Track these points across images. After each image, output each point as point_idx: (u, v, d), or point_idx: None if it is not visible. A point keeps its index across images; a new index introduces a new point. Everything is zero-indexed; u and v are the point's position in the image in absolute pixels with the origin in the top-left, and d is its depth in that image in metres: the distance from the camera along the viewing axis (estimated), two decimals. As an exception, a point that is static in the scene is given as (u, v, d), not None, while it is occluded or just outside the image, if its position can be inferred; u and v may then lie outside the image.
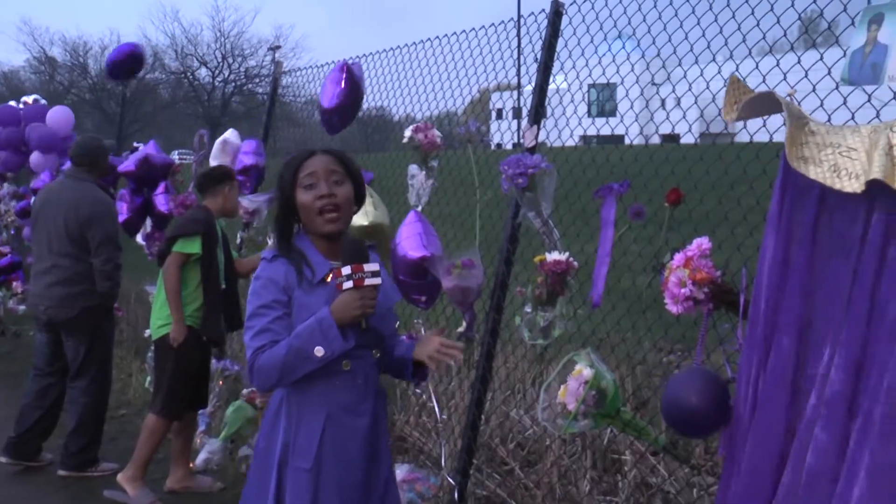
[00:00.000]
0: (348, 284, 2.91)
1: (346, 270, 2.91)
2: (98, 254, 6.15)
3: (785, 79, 3.42)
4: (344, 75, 5.26)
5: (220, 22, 74.33)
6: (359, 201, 3.23)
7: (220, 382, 6.63)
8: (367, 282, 2.93)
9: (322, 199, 3.04)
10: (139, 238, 7.66)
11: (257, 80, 60.00)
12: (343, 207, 3.09)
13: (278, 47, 52.45)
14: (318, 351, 2.89)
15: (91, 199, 6.25)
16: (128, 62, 8.12)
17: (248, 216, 6.90)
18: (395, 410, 6.10)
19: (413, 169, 4.81)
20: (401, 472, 4.67)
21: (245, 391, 6.46)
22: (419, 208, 4.77)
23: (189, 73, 62.55)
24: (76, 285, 6.21)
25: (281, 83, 8.63)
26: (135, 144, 8.10)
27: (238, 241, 7.37)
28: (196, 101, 62.63)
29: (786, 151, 2.68)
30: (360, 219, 4.88)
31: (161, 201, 7.23)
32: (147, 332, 6.58)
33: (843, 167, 2.56)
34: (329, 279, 2.98)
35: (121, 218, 6.71)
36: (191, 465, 6.10)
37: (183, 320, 5.63)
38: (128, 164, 7.27)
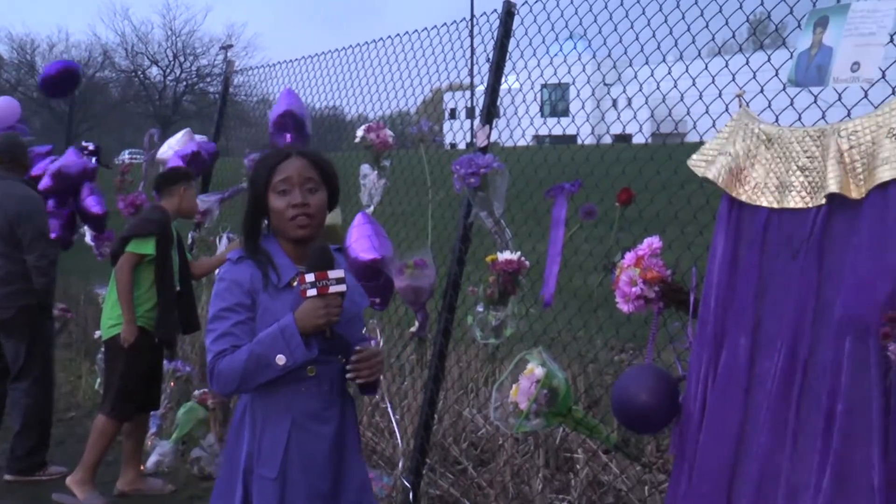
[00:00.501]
0: (312, 292, 2.83)
1: (310, 277, 2.83)
2: (31, 250, 6.06)
3: (734, 79, 3.46)
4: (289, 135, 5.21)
5: (172, 20, 73.35)
6: (331, 206, 3.16)
7: (172, 384, 6.57)
8: (332, 289, 2.84)
9: (295, 208, 2.96)
10: (88, 239, 7.55)
11: (209, 79, 59.50)
12: (315, 216, 3.01)
13: (230, 46, 52.08)
14: (280, 359, 2.82)
15: (18, 196, 6.16)
16: (62, 78, 7.97)
17: (200, 216, 6.83)
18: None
19: (365, 168, 4.79)
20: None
21: (196, 392, 6.41)
22: (371, 208, 4.75)
23: (140, 72, 61.90)
24: (10, 285, 6.11)
25: (233, 82, 8.56)
26: (83, 143, 7.96)
27: (189, 241, 7.30)
28: (147, 100, 61.97)
29: (752, 202, 2.73)
30: None
31: (92, 203, 7.01)
32: (97, 334, 6.49)
33: (809, 182, 2.61)
34: (294, 284, 2.92)
35: (52, 235, 6.52)
36: (141, 467, 6.03)
37: (134, 321, 5.56)
38: (44, 181, 6.97)
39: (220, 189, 7.50)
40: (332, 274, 2.84)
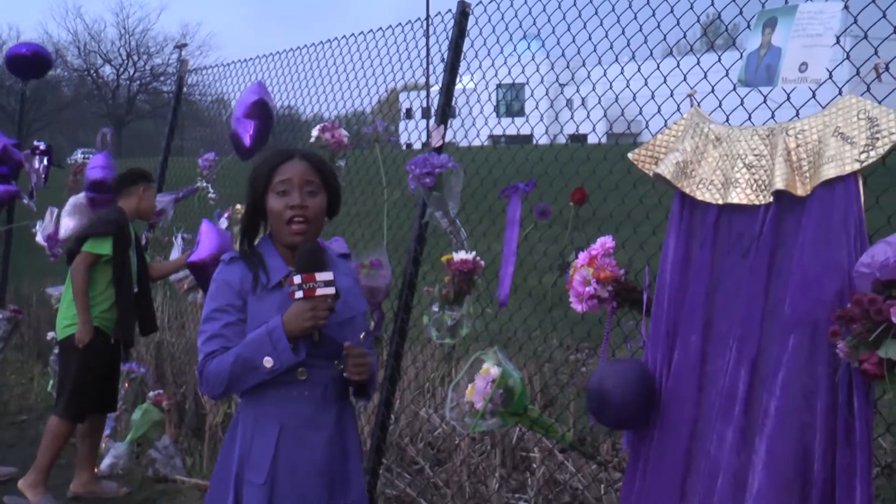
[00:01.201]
0: (299, 294, 2.78)
1: (298, 279, 2.78)
2: None
3: (685, 80, 3.48)
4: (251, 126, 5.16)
5: (125, 19, 72.70)
6: (332, 213, 3.10)
7: (126, 385, 6.50)
8: (319, 292, 2.78)
9: (293, 210, 2.91)
10: (40, 239, 7.44)
11: (163, 79, 58.97)
12: (313, 220, 2.95)
13: (185, 45, 51.66)
14: (267, 362, 2.78)
15: None
16: (35, 61, 7.88)
17: (154, 217, 6.77)
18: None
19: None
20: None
21: (151, 394, 6.35)
22: (326, 208, 4.73)
23: (93, 71, 61.19)
24: None
25: (187, 81, 8.49)
26: (35, 143, 7.86)
27: (143, 241, 7.23)
28: (100, 99, 61.27)
29: (695, 195, 2.75)
30: None
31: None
32: (50, 335, 6.41)
33: (755, 179, 2.64)
34: (284, 283, 2.88)
35: None
36: (95, 469, 5.95)
37: (89, 321, 5.49)
38: None
39: (174, 189, 7.44)
40: (320, 276, 2.78)
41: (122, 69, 60.80)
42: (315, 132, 4.67)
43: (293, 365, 2.85)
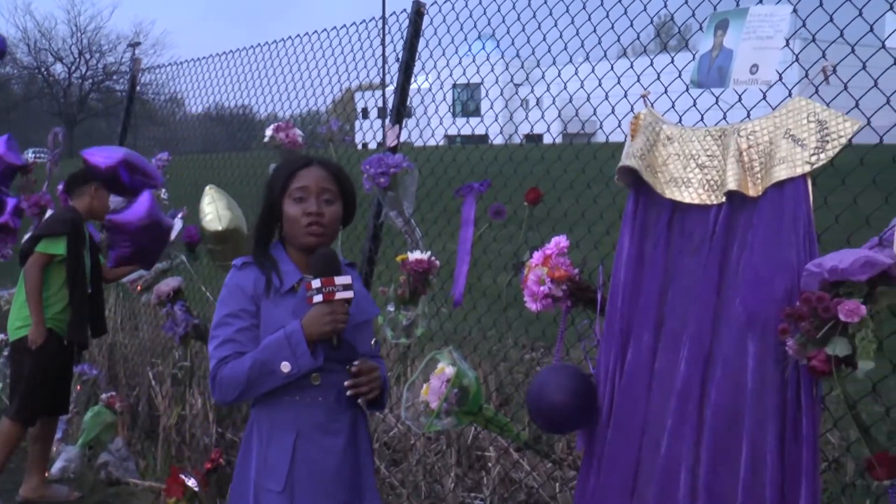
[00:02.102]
0: (318, 298, 2.75)
1: (316, 283, 2.75)
2: None
3: (639, 80, 3.51)
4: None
5: (77, 16, 71.83)
6: (346, 221, 3.09)
7: (78, 387, 6.42)
8: (338, 295, 2.76)
9: (309, 216, 2.89)
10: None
11: (116, 77, 58.28)
12: (329, 227, 2.94)
13: (138, 44, 51.13)
14: (285, 367, 2.75)
15: None
16: None
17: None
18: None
19: (274, 168, 4.74)
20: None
21: (104, 396, 6.28)
22: (281, 208, 4.70)
23: (43, 69, 60.31)
24: None
25: (140, 80, 8.40)
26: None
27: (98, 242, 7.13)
28: (51, 97, 60.41)
29: (648, 181, 2.77)
30: (213, 224, 4.75)
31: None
32: (1, 337, 6.31)
33: (707, 180, 2.67)
34: (297, 289, 2.85)
35: None
36: (46, 473, 5.87)
37: (43, 322, 5.41)
38: None
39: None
40: (339, 280, 2.77)
41: (73, 67, 59.98)
42: (269, 132, 4.64)
43: (310, 370, 2.82)
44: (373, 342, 3.06)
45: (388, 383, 3.26)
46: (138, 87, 8.52)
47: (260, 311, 2.86)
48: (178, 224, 5.75)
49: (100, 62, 60.14)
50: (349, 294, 2.79)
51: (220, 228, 4.78)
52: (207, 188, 5.06)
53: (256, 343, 2.83)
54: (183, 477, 4.65)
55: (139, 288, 6.46)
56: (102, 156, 5.02)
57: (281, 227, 2.99)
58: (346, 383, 2.87)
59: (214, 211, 4.73)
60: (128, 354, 7.60)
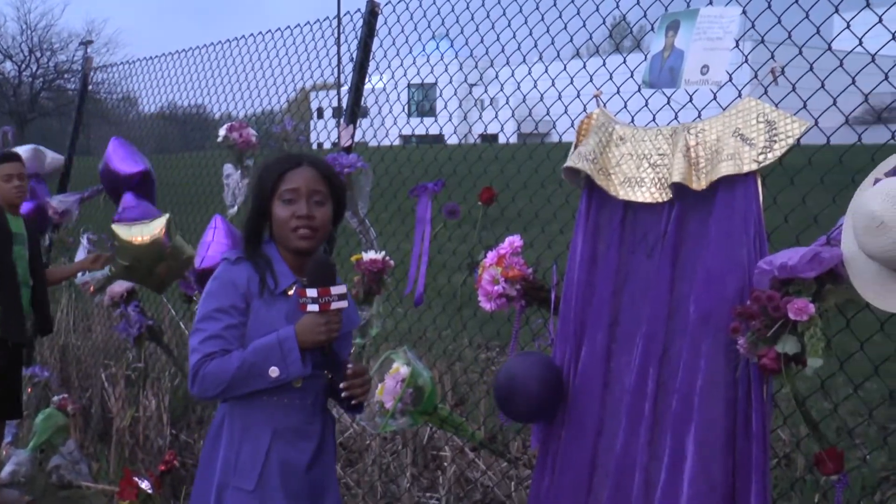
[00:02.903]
0: (313, 307, 2.69)
1: (313, 293, 2.69)
2: None
3: (591, 80, 3.53)
4: None
5: (27, 14, 70.64)
6: (336, 221, 3.00)
7: (29, 390, 6.32)
8: (334, 305, 2.71)
9: (299, 220, 2.80)
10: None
11: (68, 76, 57.47)
12: (320, 230, 2.85)
13: (90, 42, 50.43)
14: (273, 371, 2.70)
15: None
16: None
17: (58, 217, 6.59)
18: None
19: (228, 168, 4.71)
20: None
21: (56, 398, 6.20)
22: (235, 208, 4.67)
23: (-8, 67, 59.30)
24: None
25: (93, 79, 8.31)
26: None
27: (47, 242, 7.04)
28: (1, 96, 59.44)
29: (601, 185, 2.79)
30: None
31: None
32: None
33: (659, 178, 2.69)
34: (291, 292, 2.79)
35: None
36: (-5, 478, 5.78)
37: None
38: None
39: (79, 189, 7.26)
40: (335, 290, 2.71)
41: (24, 65, 59.02)
42: (223, 131, 4.60)
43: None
44: (351, 351, 3.05)
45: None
46: (90, 86, 8.42)
47: (250, 310, 2.79)
48: (83, 250, 5.69)
49: (51, 60, 59.27)
50: (344, 304, 2.74)
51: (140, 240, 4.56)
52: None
53: (241, 341, 2.77)
54: (136, 479, 4.59)
55: (92, 289, 6.37)
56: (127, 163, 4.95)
57: (270, 227, 2.91)
58: (341, 385, 2.80)
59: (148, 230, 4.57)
60: (80, 356, 7.50)
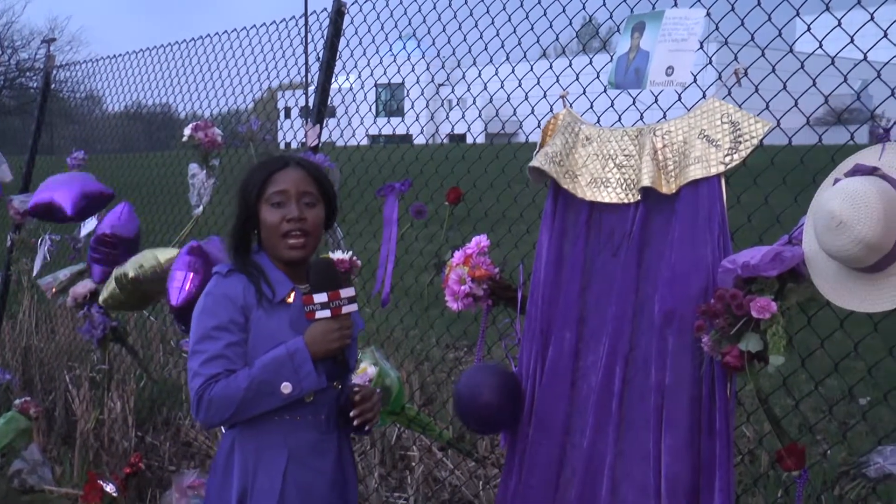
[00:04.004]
0: (324, 313, 2.55)
1: (322, 298, 2.55)
2: None
3: (558, 81, 3.55)
4: None
5: (-14, 11, 69.65)
6: (329, 224, 2.84)
7: (-10, 392, 6.26)
8: (345, 309, 2.57)
9: (290, 223, 2.64)
10: None
11: (30, 74, 56.77)
12: (312, 233, 2.69)
13: (53, 40, 49.81)
14: (286, 388, 2.54)
15: None
16: None
17: (20, 217, 6.51)
18: (182, 415, 5.94)
19: (193, 168, 4.67)
20: (186, 478, 4.54)
21: (17, 401, 6.13)
22: (200, 208, 4.64)
23: (-49, 65, 58.52)
24: None
25: (56, 78, 8.22)
26: None
27: (8, 243, 6.96)
28: (-40, 94, 58.64)
29: (566, 188, 2.81)
30: (132, 269, 4.41)
31: None
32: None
33: (625, 179, 2.71)
34: (290, 300, 2.65)
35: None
36: (-45, 482, 5.71)
37: None
38: None
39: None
40: (344, 293, 2.58)
41: (-17, 63, 58.25)
42: (188, 131, 4.57)
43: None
44: (358, 357, 2.93)
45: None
46: (53, 85, 8.33)
47: (249, 324, 2.62)
48: (90, 224, 5.61)
49: (12, 59, 58.53)
50: (355, 307, 2.62)
51: (130, 275, 4.43)
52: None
53: (244, 358, 2.60)
54: (101, 483, 4.56)
55: (54, 290, 6.31)
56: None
57: (258, 235, 2.75)
58: (352, 413, 2.67)
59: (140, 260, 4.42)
60: (44, 358, 7.42)
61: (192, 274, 3.75)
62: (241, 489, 2.67)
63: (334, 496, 2.75)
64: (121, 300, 4.34)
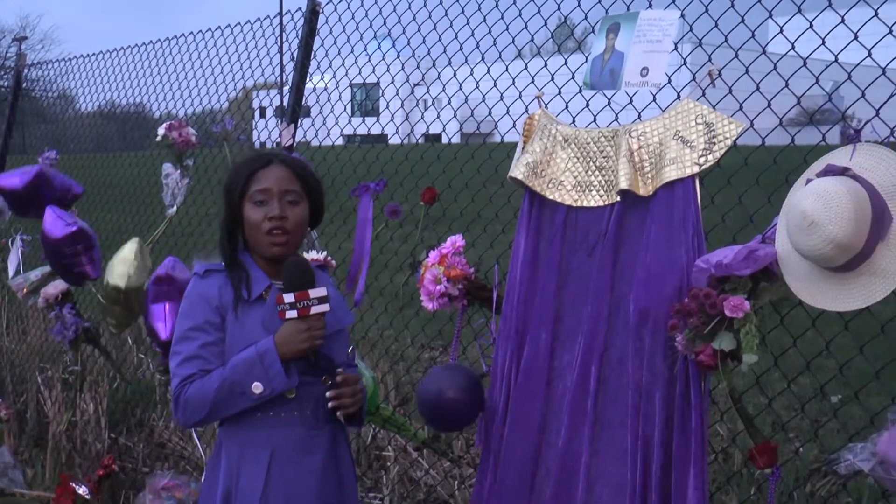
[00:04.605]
0: (292, 314, 2.55)
1: (290, 298, 2.55)
2: None
3: (533, 81, 3.56)
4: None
5: (-44, 9, 69.02)
6: (315, 223, 2.86)
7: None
8: (314, 310, 2.57)
9: (272, 221, 2.65)
10: None
11: (1, 73, 56.29)
12: (294, 232, 2.70)
13: (24, 38, 49.39)
14: (257, 388, 2.54)
15: None
16: None
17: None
18: (156, 417, 5.91)
19: (167, 168, 4.65)
20: (160, 479, 4.52)
21: (-16, 404, 6.08)
22: (174, 208, 4.62)
23: (-80, 62, 57.85)
24: None
25: (27, 76, 8.15)
26: None
27: (-23, 244, 6.89)
28: (-70, 93, 58.02)
29: (552, 198, 2.82)
30: (118, 280, 4.35)
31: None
32: None
33: (606, 181, 2.72)
34: (266, 296, 2.66)
35: None
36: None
37: None
38: None
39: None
40: (314, 293, 2.57)
41: (-47, 62, 57.65)
42: (161, 130, 4.55)
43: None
44: (350, 349, 2.87)
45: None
46: (25, 84, 8.25)
47: (226, 323, 2.65)
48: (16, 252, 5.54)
49: (-18, 57, 58.00)
50: (325, 308, 2.60)
51: (122, 286, 4.36)
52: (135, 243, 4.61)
53: (221, 358, 2.63)
54: (73, 485, 4.53)
55: (25, 291, 6.25)
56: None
57: (243, 233, 2.76)
58: (327, 394, 2.65)
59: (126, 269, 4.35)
60: (14, 359, 7.36)
61: (167, 304, 3.75)
62: (226, 490, 2.68)
63: (326, 494, 2.72)
64: (124, 315, 4.29)
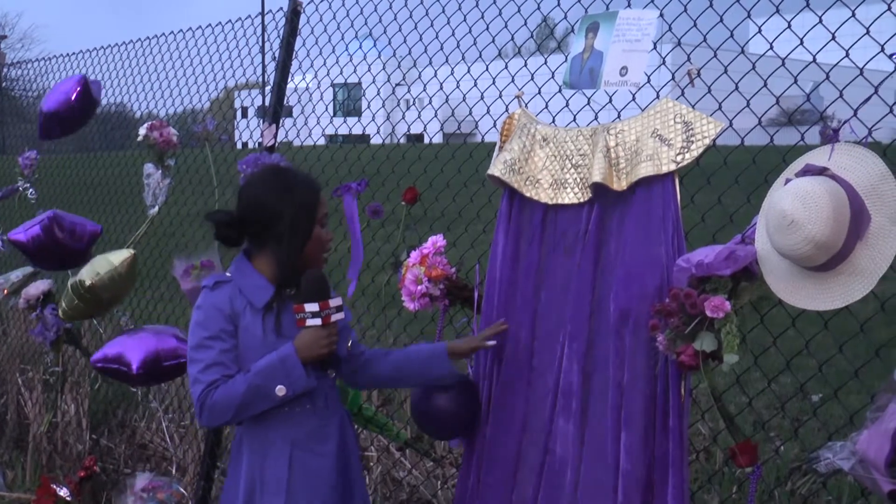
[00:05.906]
0: (315, 322, 2.74)
1: (313, 307, 2.73)
2: None
3: (513, 81, 3.56)
4: (79, 88, 4.75)
5: (-67, 7, 68.45)
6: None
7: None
8: (334, 318, 2.76)
9: (330, 241, 2.96)
10: None
11: (-19, 72, 55.96)
12: None
13: (4, 37, 49.12)
14: (280, 390, 2.74)
15: None
16: None
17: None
18: (137, 418, 5.88)
19: (149, 168, 4.63)
20: (142, 480, 4.50)
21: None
22: (156, 208, 4.60)
23: None
24: None
25: (7, 76, 8.10)
26: None
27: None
28: None
29: (529, 195, 2.82)
30: (85, 275, 4.28)
31: None
32: None
33: (581, 178, 2.73)
34: (273, 304, 2.83)
35: None
36: None
37: None
38: None
39: (-7, 189, 7.07)
40: (333, 302, 2.76)
41: (-67, 61, 57.30)
42: (142, 130, 4.53)
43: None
44: (349, 344, 2.99)
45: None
46: (4, 83, 8.21)
47: (239, 329, 2.83)
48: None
49: (-38, 56, 57.69)
50: (342, 315, 2.80)
51: (87, 282, 4.31)
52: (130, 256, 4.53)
53: (237, 363, 2.81)
54: (54, 487, 4.51)
55: (6, 292, 6.21)
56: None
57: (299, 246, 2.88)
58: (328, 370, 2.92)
59: (101, 270, 4.30)
60: (-6, 361, 7.32)
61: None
62: (250, 480, 2.89)
63: (340, 477, 2.93)
64: (81, 309, 4.30)
